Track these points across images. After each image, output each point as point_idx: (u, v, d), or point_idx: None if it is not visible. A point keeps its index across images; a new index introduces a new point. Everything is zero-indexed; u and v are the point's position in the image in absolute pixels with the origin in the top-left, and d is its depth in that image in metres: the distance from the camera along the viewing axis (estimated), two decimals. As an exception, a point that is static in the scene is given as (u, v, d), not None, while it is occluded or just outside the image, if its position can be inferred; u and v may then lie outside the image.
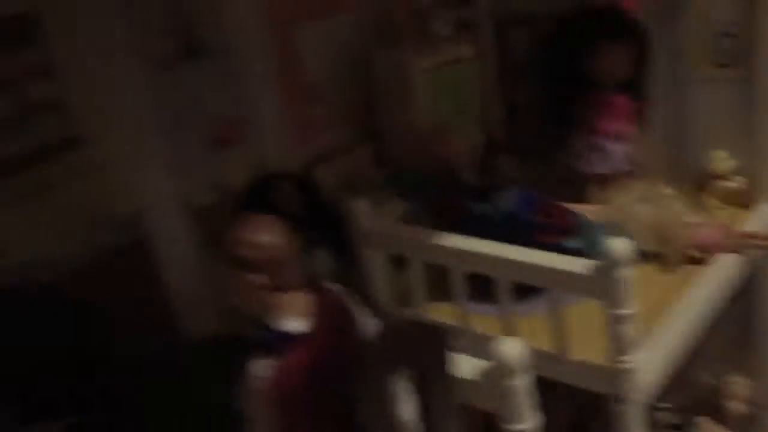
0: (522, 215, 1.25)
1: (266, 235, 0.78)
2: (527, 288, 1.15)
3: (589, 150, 1.51)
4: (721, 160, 1.46)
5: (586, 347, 1.12)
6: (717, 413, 1.61)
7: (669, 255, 1.31)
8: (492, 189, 1.29)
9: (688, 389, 1.57)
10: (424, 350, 0.80)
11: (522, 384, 0.86)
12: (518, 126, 1.54)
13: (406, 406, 0.79)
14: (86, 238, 1.19)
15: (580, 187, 1.46)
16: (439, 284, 1.23)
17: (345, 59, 1.52)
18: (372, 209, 1.32)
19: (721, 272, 1.29)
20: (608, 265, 1.00)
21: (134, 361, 1.13)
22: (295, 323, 0.79)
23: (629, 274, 1.01)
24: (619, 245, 1.00)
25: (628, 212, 1.33)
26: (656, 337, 1.14)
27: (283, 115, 1.44)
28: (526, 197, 1.28)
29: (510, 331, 1.12)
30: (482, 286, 1.18)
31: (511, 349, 0.85)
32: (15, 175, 1.11)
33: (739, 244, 1.31)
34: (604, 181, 1.45)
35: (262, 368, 0.77)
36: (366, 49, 1.53)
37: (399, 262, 1.29)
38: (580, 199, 1.42)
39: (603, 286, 1.01)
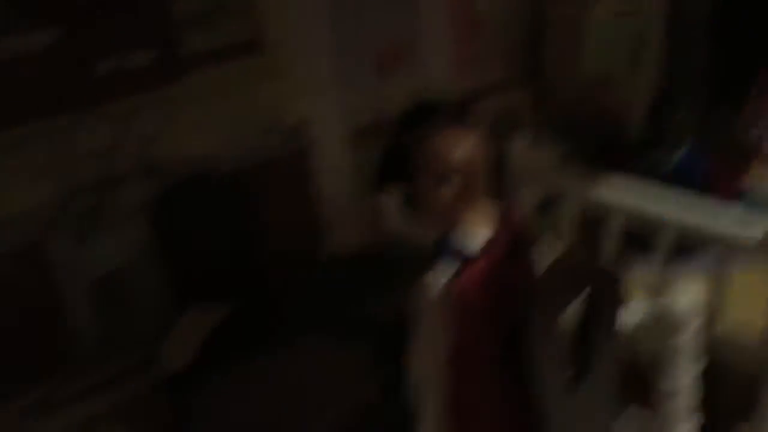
0: (689, 174, 1.21)
1: (466, 146, 0.78)
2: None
3: (763, 122, 1.43)
4: None
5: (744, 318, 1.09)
6: None
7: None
8: (659, 145, 1.25)
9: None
10: (595, 288, 0.79)
11: (690, 337, 0.84)
12: (689, 90, 1.47)
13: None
14: (256, 142, 1.24)
15: (747, 159, 1.39)
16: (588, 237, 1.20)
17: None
18: (528, 149, 1.31)
19: None
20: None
21: (286, 262, 1.18)
22: (476, 238, 0.79)
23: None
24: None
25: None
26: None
27: (448, 44, 1.43)
28: (695, 157, 1.23)
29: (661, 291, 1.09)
30: (633, 241, 1.15)
31: (687, 297, 0.83)
32: (198, 72, 1.15)
33: None
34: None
35: (438, 278, 0.77)
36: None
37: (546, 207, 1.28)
38: (746, 172, 1.36)
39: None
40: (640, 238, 1.18)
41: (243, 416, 0.85)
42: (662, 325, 0.83)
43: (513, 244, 0.79)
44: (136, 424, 1.11)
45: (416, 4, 1.38)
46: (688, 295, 0.83)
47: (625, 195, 1.15)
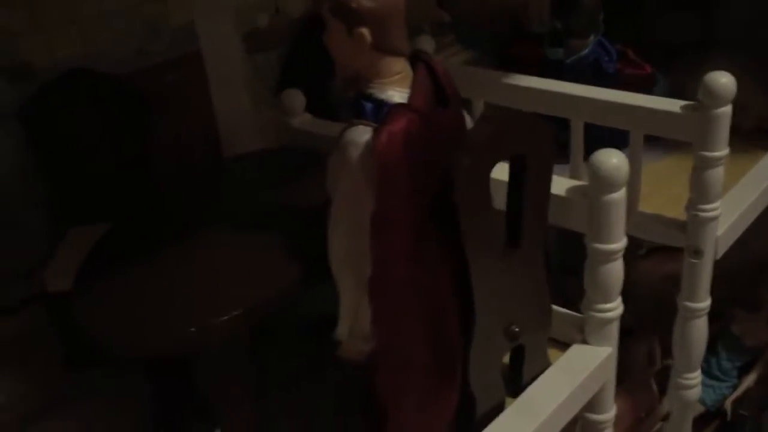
0: (600, 62, 1.18)
1: None
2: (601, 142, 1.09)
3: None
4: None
5: (660, 201, 1.08)
6: (755, 306, 1.58)
7: (743, 124, 1.25)
8: (567, 34, 1.21)
9: (730, 278, 1.53)
10: (526, 138, 0.74)
11: (617, 199, 0.80)
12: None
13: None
14: (139, 44, 1.13)
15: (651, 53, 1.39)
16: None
17: None
18: (433, 50, 1.26)
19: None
20: (708, 101, 0.94)
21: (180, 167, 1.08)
22: (394, 92, 0.72)
23: (728, 112, 0.95)
24: (724, 80, 0.93)
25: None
26: (728, 198, 1.09)
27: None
28: (604, 45, 1.21)
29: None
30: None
31: (610, 159, 0.79)
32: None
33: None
34: (678, 49, 1.38)
35: (360, 135, 0.70)
36: None
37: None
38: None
39: (699, 124, 0.95)
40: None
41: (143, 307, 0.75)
42: (594, 183, 0.78)
43: (438, 93, 0.73)
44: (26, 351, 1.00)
45: None
46: (614, 157, 0.79)
47: (532, 93, 1.12)
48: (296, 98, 1.11)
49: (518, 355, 0.85)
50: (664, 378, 1.21)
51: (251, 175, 0.98)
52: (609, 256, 0.84)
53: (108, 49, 1.10)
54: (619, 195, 0.81)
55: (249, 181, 0.96)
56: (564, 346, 0.92)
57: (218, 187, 0.97)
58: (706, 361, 1.24)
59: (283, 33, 1.24)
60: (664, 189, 1.13)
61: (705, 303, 1.07)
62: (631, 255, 1.69)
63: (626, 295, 1.52)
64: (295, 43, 1.20)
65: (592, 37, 1.20)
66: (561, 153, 1.17)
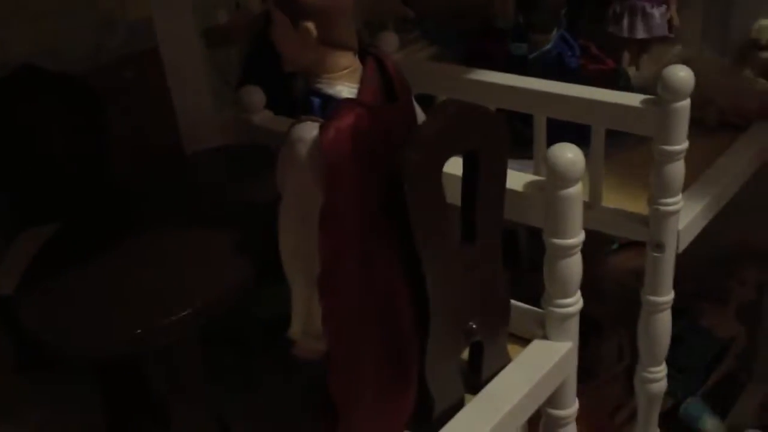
0: (564, 57, 1.18)
1: None
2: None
3: (629, 14, 1.42)
4: (765, 29, 1.38)
5: (621, 196, 1.08)
6: (722, 298, 1.59)
7: (706, 118, 1.25)
8: (531, 29, 1.20)
9: (696, 271, 1.53)
10: (479, 132, 0.72)
11: (574, 193, 0.79)
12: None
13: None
14: (92, 39, 1.10)
15: (617, 51, 1.39)
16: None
17: None
18: (398, 46, 1.25)
19: (757, 139, 1.23)
20: (666, 96, 0.93)
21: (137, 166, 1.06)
22: (342, 87, 0.71)
23: (687, 106, 0.94)
24: (682, 74, 0.93)
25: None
26: (691, 192, 1.09)
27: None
28: (567, 40, 1.20)
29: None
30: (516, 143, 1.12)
31: (566, 153, 0.78)
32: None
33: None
34: (643, 45, 1.38)
35: (307, 130, 0.69)
36: None
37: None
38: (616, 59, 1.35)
39: (659, 118, 0.95)
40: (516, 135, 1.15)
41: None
42: (550, 177, 0.77)
43: (388, 87, 0.72)
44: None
45: None
46: (569, 151, 0.79)
47: (495, 88, 1.11)
48: (255, 95, 1.10)
49: (477, 351, 0.84)
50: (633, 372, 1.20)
51: (209, 172, 0.96)
52: (567, 251, 0.83)
53: (62, 45, 1.07)
54: (575, 189, 0.80)
55: (206, 179, 0.94)
56: (525, 342, 0.92)
57: (175, 185, 0.96)
58: (676, 354, 1.24)
59: (243, 29, 1.22)
60: (631, 182, 1.12)
61: (668, 297, 1.07)
62: (600, 251, 1.71)
63: (595, 290, 1.53)
64: (255, 39, 1.18)
65: (554, 32, 1.19)
66: (528, 148, 1.17)
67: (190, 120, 1.15)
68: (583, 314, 0.89)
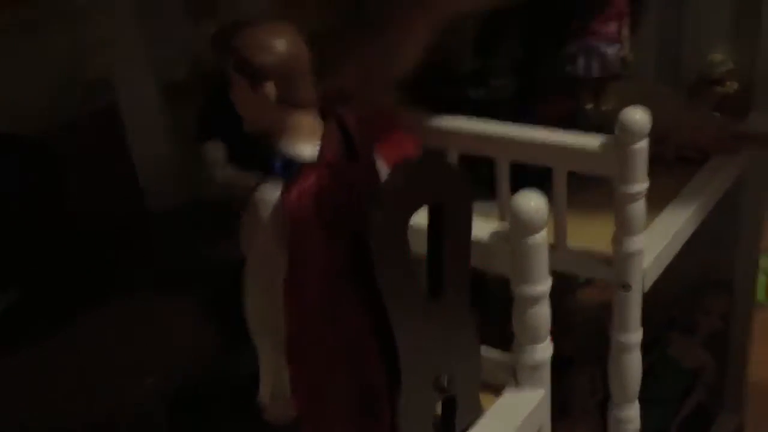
0: (523, 101, 1.19)
1: (284, 40, 0.69)
2: (528, 181, 1.10)
3: (583, 54, 1.44)
4: (718, 64, 1.42)
5: (587, 236, 1.09)
6: (690, 328, 1.60)
7: (664, 154, 1.27)
8: (489, 73, 1.22)
9: (663, 303, 1.55)
10: (443, 186, 0.73)
11: (539, 241, 0.80)
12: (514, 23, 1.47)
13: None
14: (51, 100, 1.09)
15: (574, 90, 1.41)
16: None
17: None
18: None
19: (716, 173, 1.25)
20: (624, 137, 0.95)
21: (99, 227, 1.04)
22: (303, 147, 0.71)
23: (645, 147, 0.96)
24: (638, 116, 0.94)
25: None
26: (653, 230, 1.10)
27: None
28: (526, 83, 1.21)
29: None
30: (480, 186, 1.12)
31: (529, 202, 0.78)
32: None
33: (735, 145, 1.27)
34: (599, 83, 1.41)
35: (270, 192, 0.68)
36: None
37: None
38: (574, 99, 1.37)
39: (618, 159, 0.96)
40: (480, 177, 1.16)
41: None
42: (515, 226, 0.78)
43: (350, 146, 0.72)
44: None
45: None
46: (532, 200, 0.79)
47: (457, 133, 1.12)
48: (218, 150, 1.09)
49: (449, 404, 0.83)
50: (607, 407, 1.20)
51: (172, 233, 0.95)
52: (535, 298, 0.83)
53: (20, 105, 1.06)
54: (540, 237, 0.81)
55: (169, 241, 0.93)
56: (497, 389, 0.91)
57: (137, 248, 0.94)
58: (647, 386, 1.24)
59: (202, 84, 1.22)
60: (595, 221, 1.13)
61: (637, 335, 1.07)
62: (568, 286, 1.72)
63: (565, 325, 1.53)
64: (215, 94, 1.18)
65: (512, 76, 1.21)
66: (491, 191, 1.17)
67: (152, 177, 1.14)
68: (554, 350, 0.89)
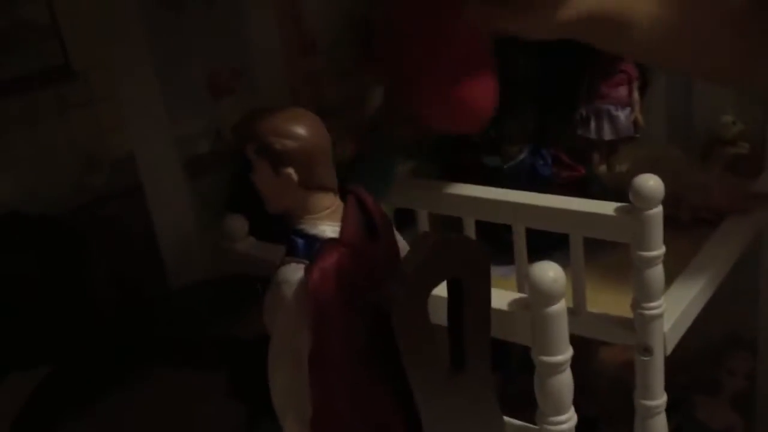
0: (537, 167, 1.21)
1: (306, 126, 0.72)
2: (544, 247, 1.11)
3: (595, 117, 1.47)
4: (728, 125, 1.44)
5: (607, 298, 1.09)
6: (714, 389, 1.58)
7: (680, 216, 1.28)
8: (503, 141, 1.24)
9: (686, 364, 1.53)
10: (462, 260, 0.74)
11: (558, 311, 0.81)
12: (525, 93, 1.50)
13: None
14: (76, 178, 1.12)
15: (587, 153, 1.43)
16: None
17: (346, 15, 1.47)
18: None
19: (732, 234, 1.26)
20: (639, 204, 0.96)
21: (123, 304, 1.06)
22: (324, 226, 0.73)
23: (660, 213, 0.97)
24: (651, 183, 0.96)
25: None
26: (672, 294, 1.10)
27: (282, 67, 1.38)
28: (539, 150, 1.24)
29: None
30: (499, 249, 1.14)
31: (547, 272, 0.79)
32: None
33: (749, 205, 1.28)
34: (611, 146, 1.43)
35: (293, 273, 0.70)
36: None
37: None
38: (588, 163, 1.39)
39: (634, 226, 0.97)
40: (498, 241, 1.17)
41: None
42: (534, 296, 0.79)
43: (370, 225, 0.74)
44: None
45: (245, 25, 1.32)
46: (550, 270, 0.80)
47: (473, 201, 1.14)
48: (238, 222, 1.12)
49: (474, 476, 0.83)
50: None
51: (195, 309, 0.97)
52: (556, 368, 0.83)
53: (44, 187, 1.08)
54: (560, 306, 0.81)
55: (193, 316, 0.95)
56: (522, 459, 0.91)
57: (161, 323, 0.96)
58: (676, 450, 1.23)
59: (225, 157, 1.25)
60: (614, 285, 1.14)
61: (661, 400, 1.07)
62: (589, 346, 1.70)
63: (589, 387, 1.51)
64: (239, 167, 1.21)
65: (525, 143, 1.23)
66: (510, 254, 1.18)
67: (176, 252, 1.16)
68: (579, 412, 0.89)
